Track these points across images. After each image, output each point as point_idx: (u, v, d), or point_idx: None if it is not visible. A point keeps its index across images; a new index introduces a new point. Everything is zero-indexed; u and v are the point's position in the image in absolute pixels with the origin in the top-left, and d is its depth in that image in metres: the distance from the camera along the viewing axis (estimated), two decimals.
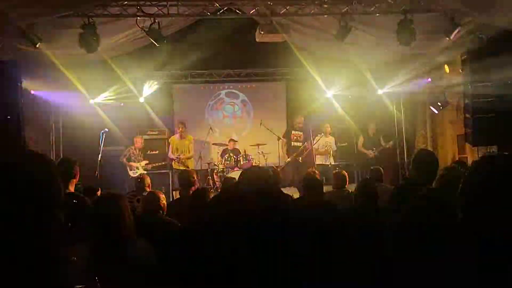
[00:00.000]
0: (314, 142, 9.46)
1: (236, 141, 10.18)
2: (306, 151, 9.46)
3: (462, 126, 8.11)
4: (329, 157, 9.81)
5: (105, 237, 2.80)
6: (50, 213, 1.00)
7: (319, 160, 9.82)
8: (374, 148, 9.91)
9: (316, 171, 6.00)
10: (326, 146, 9.85)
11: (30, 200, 0.97)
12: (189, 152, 9.78)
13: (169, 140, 9.98)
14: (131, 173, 9.50)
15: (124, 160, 9.57)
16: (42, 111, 9.83)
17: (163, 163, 10.00)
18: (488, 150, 8.17)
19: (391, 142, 10.22)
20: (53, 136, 10.20)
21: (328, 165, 9.70)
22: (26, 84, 7.56)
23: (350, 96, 10.92)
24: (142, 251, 2.84)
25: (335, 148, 10.02)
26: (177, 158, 9.63)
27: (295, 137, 9.65)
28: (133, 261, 2.74)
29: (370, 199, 3.83)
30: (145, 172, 9.28)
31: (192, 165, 9.85)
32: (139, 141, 9.76)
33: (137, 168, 9.60)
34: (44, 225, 0.97)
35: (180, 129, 9.73)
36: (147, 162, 9.72)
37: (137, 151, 9.70)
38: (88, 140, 9.60)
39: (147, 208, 4.17)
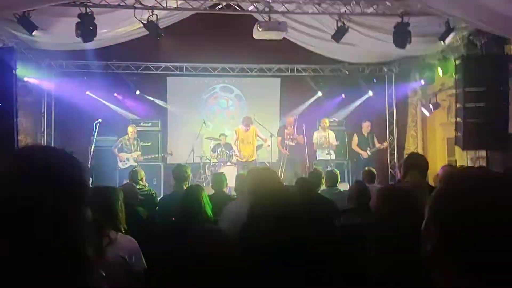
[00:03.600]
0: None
1: (227, 136, 10.18)
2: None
3: (453, 129, 8.23)
4: (329, 151, 9.77)
5: (96, 229, 2.72)
6: (81, 209, 1.02)
7: (320, 156, 9.83)
8: (369, 148, 9.90)
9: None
10: (323, 141, 9.86)
11: (65, 195, 0.98)
12: (253, 143, 9.39)
13: (235, 130, 9.51)
14: (120, 164, 9.34)
15: (115, 150, 9.45)
16: (34, 98, 9.75)
17: (155, 155, 9.94)
18: (477, 154, 8.31)
19: (385, 143, 10.27)
20: (44, 124, 10.12)
21: (328, 160, 9.72)
22: (18, 71, 7.51)
23: (344, 95, 11.01)
24: (120, 248, 2.73)
25: (336, 142, 9.96)
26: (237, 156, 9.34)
27: (288, 136, 9.65)
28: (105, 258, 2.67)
29: (363, 202, 3.91)
30: (136, 164, 9.17)
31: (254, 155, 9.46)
32: (131, 131, 9.53)
33: (128, 159, 9.43)
34: (75, 222, 0.99)
35: (247, 123, 9.32)
36: (139, 153, 9.49)
37: (130, 141, 9.48)
38: (80, 129, 9.55)
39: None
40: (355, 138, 10.10)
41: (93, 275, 0.99)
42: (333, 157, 9.80)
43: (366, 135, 10.07)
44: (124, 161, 9.39)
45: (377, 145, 10.03)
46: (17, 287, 0.91)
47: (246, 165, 8.83)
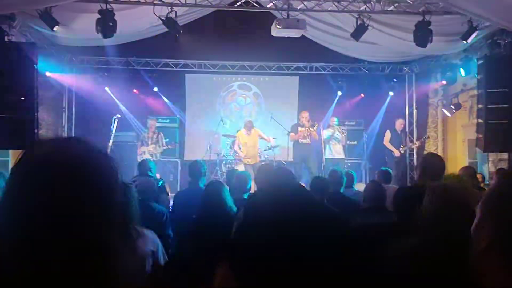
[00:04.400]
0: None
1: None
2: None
3: (474, 131, 8.06)
4: (339, 149, 9.64)
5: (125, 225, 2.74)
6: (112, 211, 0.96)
7: (330, 152, 9.61)
8: (402, 146, 9.52)
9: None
10: (331, 137, 9.67)
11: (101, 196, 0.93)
12: (256, 146, 9.55)
13: (237, 135, 9.70)
14: (138, 158, 9.20)
15: (139, 144, 9.45)
16: (55, 93, 9.93)
17: (169, 146, 9.71)
18: (499, 157, 8.13)
19: (418, 142, 9.89)
20: (65, 118, 10.29)
21: (341, 158, 9.56)
22: (41, 65, 7.64)
23: (363, 95, 10.89)
24: (148, 242, 2.79)
25: (345, 142, 9.79)
26: (238, 155, 9.48)
27: (302, 134, 9.51)
28: (138, 252, 2.71)
29: (379, 200, 3.84)
30: (150, 157, 9.06)
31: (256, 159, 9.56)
32: (151, 124, 9.52)
33: (144, 152, 9.32)
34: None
35: (248, 128, 9.52)
36: (154, 146, 9.40)
37: (149, 134, 9.44)
38: (100, 124, 9.65)
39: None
40: (388, 134, 9.65)
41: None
42: (341, 156, 9.63)
43: (399, 132, 9.71)
44: (141, 154, 9.36)
45: (409, 143, 9.66)
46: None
47: (252, 167, 8.89)
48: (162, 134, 9.57)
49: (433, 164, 3.60)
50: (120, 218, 0.97)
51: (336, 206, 4.26)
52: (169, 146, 9.69)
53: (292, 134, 9.55)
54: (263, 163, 8.60)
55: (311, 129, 9.27)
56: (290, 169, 3.72)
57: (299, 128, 9.45)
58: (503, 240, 0.93)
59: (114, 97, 10.22)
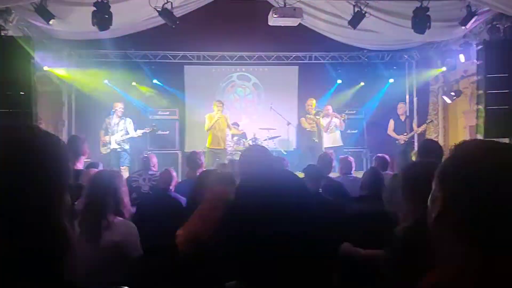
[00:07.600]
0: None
1: (238, 126, 10.05)
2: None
3: (475, 117, 8.02)
4: (335, 136, 9.46)
5: (99, 213, 2.71)
6: (61, 196, 0.98)
7: (328, 143, 9.40)
8: (406, 133, 9.24)
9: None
10: (327, 126, 9.48)
11: (42, 180, 0.94)
12: (224, 129, 9.14)
13: (206, 116, 9.12)
14: (103, 150, 8.53)
15: (101, 133, 8.68)
16: (54, 87, 9.92)
17: (146, 130, 8.92)
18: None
19: (423, 126, 9.60)
20: (65, 113, 10.29)
21: (339, 146, 9.38)
22: (39, 59, 7.64)
23: (363, 83, 10.84)
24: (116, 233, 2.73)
25: (340, 128, 9.55)
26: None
27: (309, 122, 9.36)
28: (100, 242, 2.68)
29: (377, 187, 3.83)
30: (118, 147, 8.51)
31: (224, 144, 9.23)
32: (119, 107, 8.63)
33: (110, 142, 8.45)
34: (54, 209, 0.95)
35: (219, 107, 9.00)
36: (121, 134, 8.57)
37: (116, 120, 8.59)
38: (100, 118, 9.65)
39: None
40: (391, 123, 9.37)
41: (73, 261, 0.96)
42: (340, 143, 9.45)
43: (403, 120, 9.42)
44: (106, 145, 8.55)
45: (415, 129, 9.36)
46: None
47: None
48: (130, 119, 8.77)
49: (430, 150, 3.58)
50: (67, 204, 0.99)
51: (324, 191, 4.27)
52: (146, 130, 8.75)
53: (303, 119, 9.46)
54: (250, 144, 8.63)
55: (317, 117, 9.22)
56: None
57: (307, 116, 9.37)
58: (452, 205, 0.97)
59: (113, 90, 10.19)
